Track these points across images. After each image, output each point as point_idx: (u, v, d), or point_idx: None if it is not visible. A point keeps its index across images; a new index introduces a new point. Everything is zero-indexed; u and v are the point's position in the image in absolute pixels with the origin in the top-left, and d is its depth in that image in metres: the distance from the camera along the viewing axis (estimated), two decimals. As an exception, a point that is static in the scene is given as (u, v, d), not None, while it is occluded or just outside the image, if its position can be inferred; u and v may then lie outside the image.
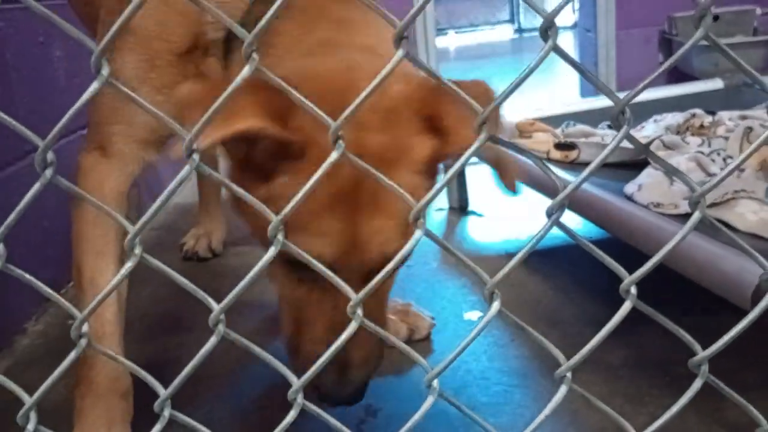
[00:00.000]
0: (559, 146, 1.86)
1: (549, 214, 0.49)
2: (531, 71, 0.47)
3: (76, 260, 1.12)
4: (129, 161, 1.11)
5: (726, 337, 0.51)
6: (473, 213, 2.30)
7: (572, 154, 1.82)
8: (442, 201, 2.35)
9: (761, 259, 0.50)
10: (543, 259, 1.87)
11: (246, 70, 0.45)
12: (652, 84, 1.94)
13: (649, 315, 0.51)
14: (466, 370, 1.39)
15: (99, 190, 1.09)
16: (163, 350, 1.57)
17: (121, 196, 1.14)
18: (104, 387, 1.08)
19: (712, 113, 1.89)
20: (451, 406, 1.25)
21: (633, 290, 0.50)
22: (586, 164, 1.69)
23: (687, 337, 0.51)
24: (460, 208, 2.31)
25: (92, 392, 1.08)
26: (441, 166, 0.91)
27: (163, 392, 0.51)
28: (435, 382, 0.52)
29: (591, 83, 0.48)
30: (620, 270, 0.49)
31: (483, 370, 1.39)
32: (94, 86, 0.47)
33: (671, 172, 0.48)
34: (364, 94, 0.47)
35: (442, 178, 0.51)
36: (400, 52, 0.46)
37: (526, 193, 1.85)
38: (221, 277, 1.98)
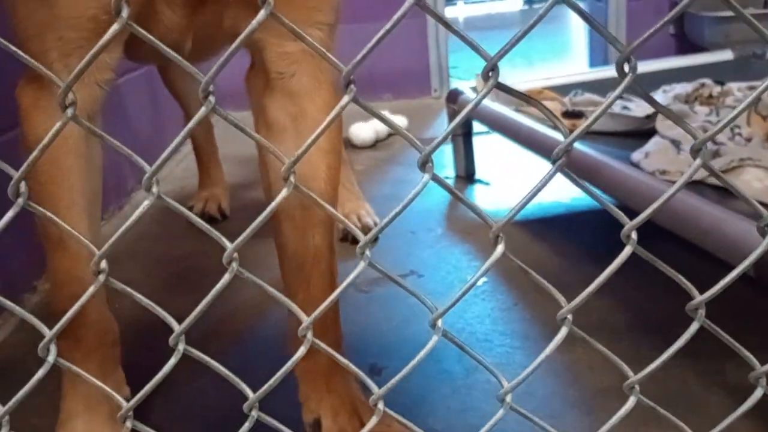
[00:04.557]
0: (567, 114, 1.87)
1: (554, 160, 0.50)
2: (539, 19, 0.47)
3: (40, 221, 0.98)
4: (78, 85, 0.92)
5: (723, 282, 0.52)
6: (480, 181, 2.31)
7: (580, 123, 1.83)
8: (448, 169, 2.36)
9: (760, 207, 0.52)
10: (547, 226, 1.89)
11: None
12: (662, 54, 1.93)
13: (649, 260, 0.53)
14: (470, 332, 1.42)
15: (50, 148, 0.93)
16: (175, 309, 1.60)
17: (81, 138, 0.95)
18: (95, 342, 1.06)
19: (721, 83, 1.89)
20: (454, 368, 1.28)
21: (633, 235, 0.51)
22: (595, 133, 1.71)
23: (686, 283, 0.52)
24: (466, 176, 2.32)
25: (82, 348, 1.05)
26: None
27: (177, 327, 0.53)
28: (439, 322, 0.53)
29: (597, 31, 0.49)
30: (621, 216, 0.51)
31: (486, 332, 1.42)
32: None
33: (674, 119, 0.49)
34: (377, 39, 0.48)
35: (447, 129, 0.52)
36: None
37: (533, 161, 1.86)
38: (232, 237, 2.01)
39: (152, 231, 1.99)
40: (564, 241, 1.80)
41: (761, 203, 1.31)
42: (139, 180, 0.49)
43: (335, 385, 1.08)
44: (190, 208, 2.13)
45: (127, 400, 0.60)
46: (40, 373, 0.53)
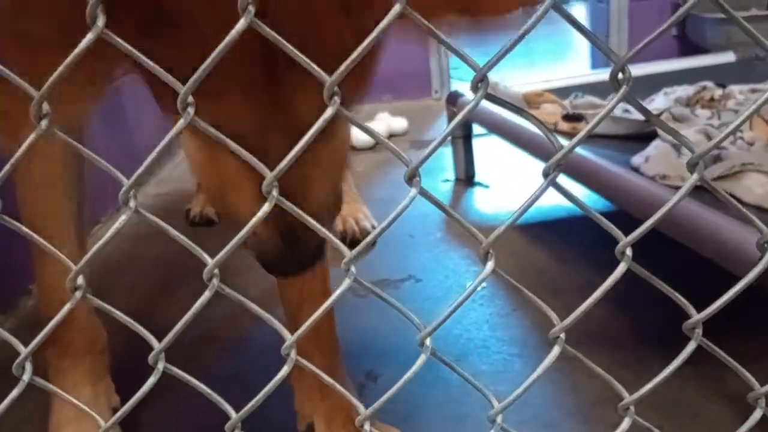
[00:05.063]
0: (567, 118, 1.85)
1: (545, 174, 0.49)
2: (532, 26, 0.46)
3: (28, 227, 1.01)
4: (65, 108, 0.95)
5: (720, 301, 0.50)
6: (479, 184, 2.30)
7: (580, 126, 1.81)
8: (448, 172, 2.34)
9: (759, 223, 0.50)
10: (546, 230, 1.87)
11: None
12: (664, 56, 1.92)
13: (645, 278, 0.51)
14: (468, 338, 1.40)
15: (37, 154, 0.90)
16: (162, 315, 1.59)
17: (66, 157, 0.97)
18: (84, 348, 1.06)
19: (723, 86, 1.87)
20: (450, 376, 1.26)
21: (628, 252, 0.50)
22: (595, 137, 1.70)
23: (682, 300, 0.51)
24: (466, 179, 2.30)
25: (71, 353, 1.05)
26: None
27: (157, 345, 0.52)
28: (428, 341, 0.52)
29: (588, 40, 0.48)
30: (616, 232, 0.49)
31: (484, 339, 1.40)
32: None
33: (670, 133, 0.47)
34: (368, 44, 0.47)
35: (442, 134, 0.51)
36: None
37: (533, 165, 1.84)
38: (229, 240, 1.99)
39: (150, 232, 1.97)
40: (563, 246, 1.78)
41: (762, 209, 1.29)
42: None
43: (330, 392, 1.07)
44: (188, 210, 2.14)
45: (117, 409, 0.58)
46: (14, 393, 0.51)
